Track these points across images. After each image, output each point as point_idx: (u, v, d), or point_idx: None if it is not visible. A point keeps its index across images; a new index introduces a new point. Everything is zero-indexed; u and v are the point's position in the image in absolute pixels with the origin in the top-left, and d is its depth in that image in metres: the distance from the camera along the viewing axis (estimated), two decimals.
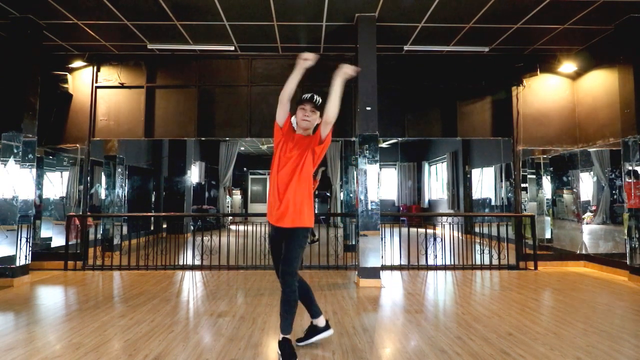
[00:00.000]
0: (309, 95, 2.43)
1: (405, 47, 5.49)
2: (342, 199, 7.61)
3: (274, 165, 2.41)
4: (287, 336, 2.33)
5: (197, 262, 5.40)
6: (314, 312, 2.56)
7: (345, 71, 2.25)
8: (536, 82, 5.79)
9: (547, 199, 5.82)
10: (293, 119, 2.52)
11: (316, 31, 5.04)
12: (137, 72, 5.79)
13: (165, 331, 2.82)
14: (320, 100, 2.43)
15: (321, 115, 2.43)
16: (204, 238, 5.83)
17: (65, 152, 5.69)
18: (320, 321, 2.56)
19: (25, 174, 4.55)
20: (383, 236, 4.98)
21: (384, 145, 11.94)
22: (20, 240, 4.46)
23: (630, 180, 4.58)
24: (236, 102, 5.78)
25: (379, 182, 4.58)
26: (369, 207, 4.48)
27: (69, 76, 5.66)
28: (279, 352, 2.31)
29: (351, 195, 6.75)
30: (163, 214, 8.93)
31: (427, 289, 4.23)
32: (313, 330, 2.56)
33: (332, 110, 2.28)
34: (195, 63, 5.81)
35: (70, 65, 5.68)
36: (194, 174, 10.34)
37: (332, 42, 5.39)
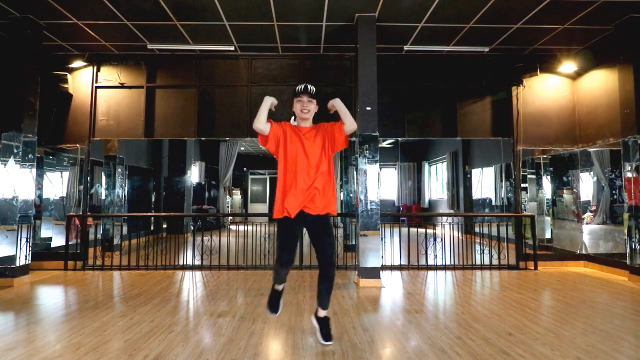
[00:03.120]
0: (302, 86, 2.52)
1: (405, 47, 5.49)
2: (342, 199, 7.61)
3: (293, 157, 2.47)
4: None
5: (197, 262, 5.40)
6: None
7: (331, 104, 2.50)
8: (536, 82, 5.79)
9: (547, 199, 5.82)
10: (292, 121, 2.66)
11: (316, 31, 5.04)
12: (137, 72, 5.79)
13: (165, 331, 2.82)
14: (314, 89, 2.53)
15: (317, 103, 2.58)
16: (204, 238, 5.83)
17: (65, 152, 5.69)
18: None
19: (25, 174, 4.55)
20: (383, 236, 4.98)
21: (384, 144, 11.94)
22: (20, 240, 4.46)
23: (630, 176, 4.57)
24: (236, 102, 5.78)
25: (379, 182, 4.58)
26: (369, 207, 4.48)
27: (69, 76, 5.66)
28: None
29: (351, 195, 6.74)
30: (163, 214, 8.93)
31: (427, 289, 4.23)
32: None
33: (348, 126, 2.48)
34: (195, 63, 5.81)
35: (70, 65, 5.68)
36: (194, 174, 10.34)
37: (332, 42, 5.39)
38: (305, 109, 2.51)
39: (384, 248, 5.21)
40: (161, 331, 2.81)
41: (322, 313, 2.59)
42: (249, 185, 15.13)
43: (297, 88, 2.53)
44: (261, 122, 2.46)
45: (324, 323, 2.58)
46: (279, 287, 2.65)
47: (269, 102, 2.49)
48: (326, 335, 2.54)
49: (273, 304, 2.64)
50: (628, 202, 4.59)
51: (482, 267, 5.29)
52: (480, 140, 6.42)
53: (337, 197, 2.58)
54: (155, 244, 6.01)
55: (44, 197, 5.49)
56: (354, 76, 5.39)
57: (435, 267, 5.29)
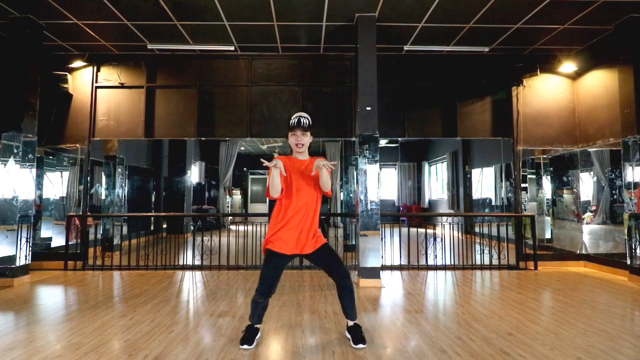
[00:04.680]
0: (296, 120, 2.50)
1: (405, 47, 5.49)
2: (342, 199, 7.61)
3: (292, 194, 2.46)
4: (357, 322, 2.61)
5: (197, 262, 5.40)
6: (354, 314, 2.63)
7: (322, 164, 2.34)
8: (536, 82, 5.79)
9: (547, 199, 5.82)
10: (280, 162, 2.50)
11: (316, 31, 5.04)
12: (137, 72, 5.78)
13: (165, 331, 2.82)
14: (308, 122, 2.52)
15: (312, 135, 2.57)
16: (204, 238, 5.83)
17: (65, 152, 5.69)
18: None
19: (25, 174, 4.55)
20: (383, 236, 4.98)
21: (383, 144, 11.94)
22: (20, 240, 4.46)
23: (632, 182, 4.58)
24: (236, 102, 5.78)
25: (379, 182, 4.57)
26: (369, 207, 4.48)
27: (69, 76, 5.66)
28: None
29: (351, 195, 6.75)
30: (163, 214, 8.93)
31: (427, 289, 4.23)
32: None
33: (326, 189, 2.45)
34: (195, 63, 5.80)
35: (70, 65, 5.68)
36: (194, 174, 10.34)
37: (332, 42, 5.39)
38: (300, 142, 2.51)
39: (384, 248, 5.21)
40: (161, 331, 2.81)
41: (351, 323, 2.60)
42: (249, 185, 15.13)
43: (291, 122, 2.51)
44: (278, 192, 2.42)
45: (354, 330, 2.57)
46: (257, 326, 2.57)
47: (277, 172, 2.35)
48: (357, 339, 2.52)
49: (247, 338, 2.51)
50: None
51: (482, 267, 5.29)
52: (480, 140, 6.42)
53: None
54: (155, 244, 6.01)
55: (44, 197, 5.49)
56: (354, 76, 5.39)
57: (435, 267, 5.29)
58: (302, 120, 2.49)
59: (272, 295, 2.58)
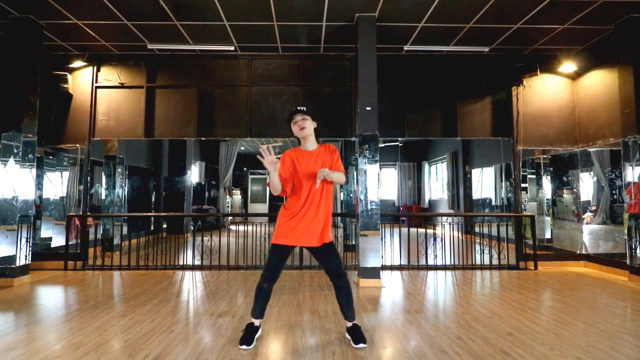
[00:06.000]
0: (294, 108, 2.60)
1: (405, 47, 5.49)
2: (342, 199, 7.61)
3: (300, 185, 2.51)
4: (356, 322, 2.64)
5: (197, 262, 5.40)
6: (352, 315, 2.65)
7: (325, 175, 2.38)
8: (536, 82, 5.79)
9: (547, 199, 5.82)
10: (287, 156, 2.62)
11: (316, 31, 5.04)
12: (137, 72, 5.78)
13: (165, 331, 2.82)
14: (305, 108, 2.60)
15: (313, 119, 2.59)
16: (204, 238, 5.83)
17: (65, 152, 5.69)
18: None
19: (25, 174, 4.55)
20: (383, 236, 4.98)
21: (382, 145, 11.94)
22: (20, 240, 4.46)
23: (632, 182, 4.57)
24: (236, 102, 5.78)
25: (379, 182, 4.57)
26: (369, 207, 4.48)
27: (69, 76, 5.66)
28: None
29: (351, 195, 6.75)
30: (163, 214, 8.93)
31: (427, 289, 4.23)
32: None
33: (337, 183, 2.56)
34: (195, 63, 5.80)
35: (70, 65, 5.68)
36: (194, 174, 10.34)
37: (332, 42, 5.39)
38: (302, 125, 2.52)
39: (384, 248, 5.22)
40: (161, 331, 2.81)
41: (350, 323, 2.62)
42: (249, 185, 15.13)
43: (288, 115, 2.60)
44: (278, 191, 2.48)
45: (354, 330, 2.59)
46: (257, 322, 2.60)
47: (275, 173, 2.39)
48: (357, 339, 2.53)
49: (247, 338, 2.53)
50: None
51: (482, 267, 5.29)
52: (480, 140, 6.42)
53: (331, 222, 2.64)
54: (155, 244, 6.01)
55: (44, 197, 5.49)
56: (354, 76, 5.39)
57: (435, 267, 5.29)
58: (298, 107, 2.60)
59: (272, 297, 2.58)
